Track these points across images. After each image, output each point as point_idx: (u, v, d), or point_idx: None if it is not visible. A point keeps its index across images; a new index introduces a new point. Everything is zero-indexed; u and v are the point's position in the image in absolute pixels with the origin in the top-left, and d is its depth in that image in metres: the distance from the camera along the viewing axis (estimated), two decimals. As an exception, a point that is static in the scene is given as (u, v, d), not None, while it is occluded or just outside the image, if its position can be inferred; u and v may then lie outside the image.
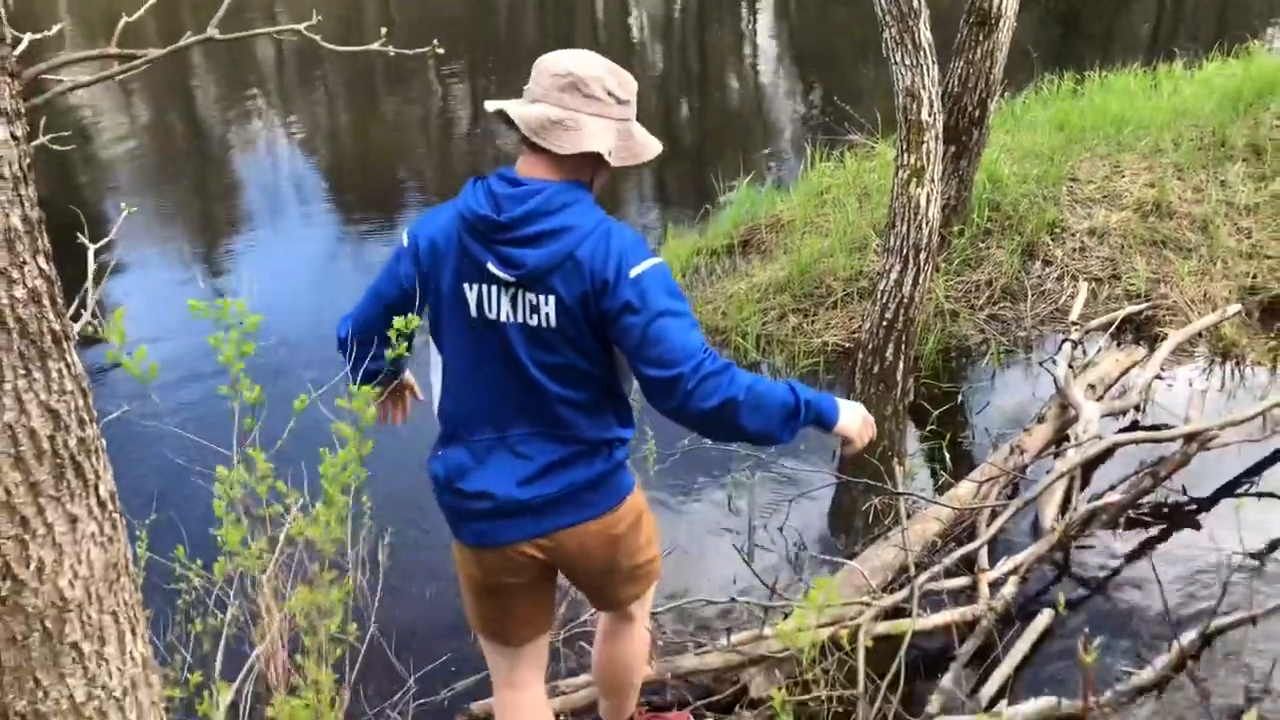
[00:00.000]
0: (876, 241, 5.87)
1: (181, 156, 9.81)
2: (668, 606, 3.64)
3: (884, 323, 4.54)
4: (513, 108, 2.23)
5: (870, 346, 4.65)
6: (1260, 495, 4.35)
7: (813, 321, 5.56)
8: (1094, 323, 5.35)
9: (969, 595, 3.71)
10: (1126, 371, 5.11)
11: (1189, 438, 4.32)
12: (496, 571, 2.42)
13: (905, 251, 4.46)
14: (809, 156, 7.41)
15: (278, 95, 11.86)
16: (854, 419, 2.38)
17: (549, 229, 2.18)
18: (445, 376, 2.39)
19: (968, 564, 3.82)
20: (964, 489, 4.24)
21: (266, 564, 1.92)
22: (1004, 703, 3.19)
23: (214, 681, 2.00)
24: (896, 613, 3.54)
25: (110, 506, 1.34)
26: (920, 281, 4.50)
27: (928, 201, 4.43)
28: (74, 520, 1.29)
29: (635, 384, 2.33)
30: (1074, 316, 5.37)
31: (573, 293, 2.19)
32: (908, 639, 3.34)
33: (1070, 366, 4.94)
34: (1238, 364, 5.25)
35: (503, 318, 2.25)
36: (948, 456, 4.55)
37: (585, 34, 13.81)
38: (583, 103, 2.20)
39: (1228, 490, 4.37)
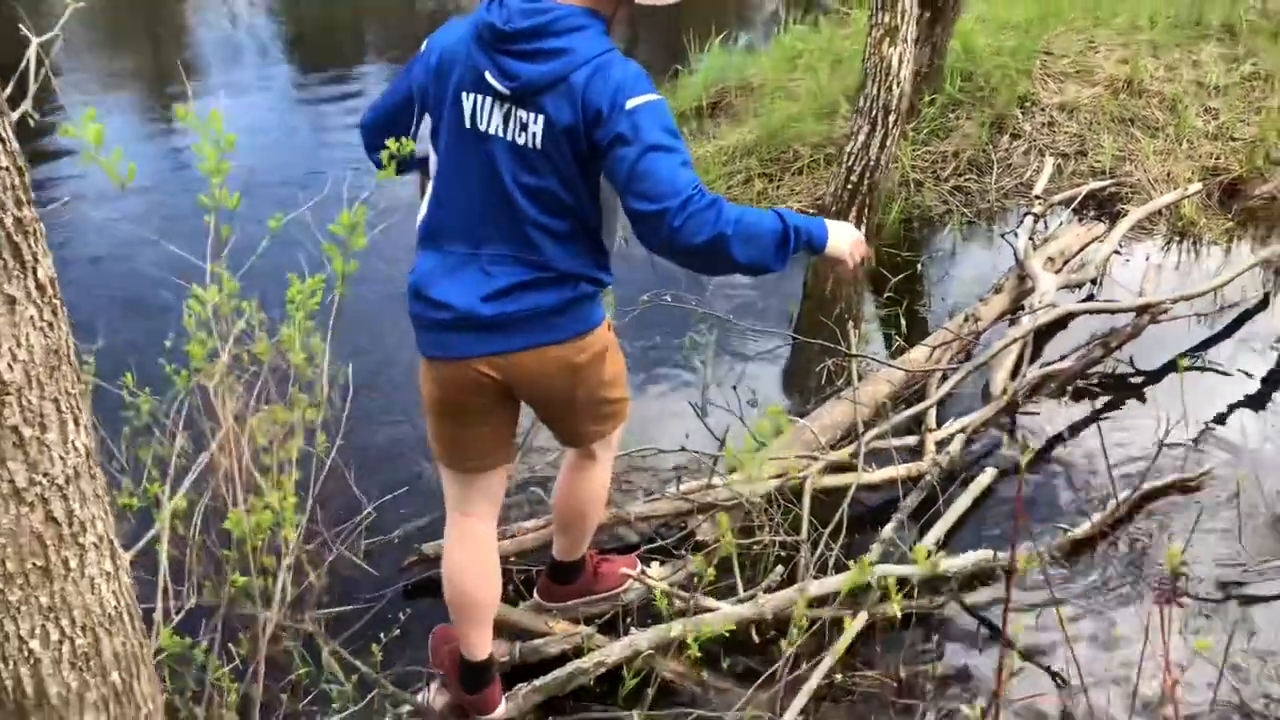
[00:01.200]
0: (846, 108, 5.80)
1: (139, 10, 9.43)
2: (619, 453, 3.69)
3: (848, 185, 4.52)
4: None
5: (834, 209, 4.64)
6: (1204, 369, 4.44)
7: (778, 186, 5.53)
8: (1057, 197, 5.36)
9: (916, 453, 3.79)
10: (1086, 246, 5.15)
11: (1141, 310, 4.39)
12: (452, 388, 2.42)
13: (874, 113, 4.42)
14: (783, 20, 7.25)
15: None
16: (844, 239, 2.37)
17: (550, 48, 2.15)
18: (435, 183, 2.38)
19: (916, 424, 3.90)
20: (917, 353, 4.29)
21: (228, 379, 1.91)
22: (941, 553, 3.30)
23: (165, 494, 2.01)
24: (844, 468, 3.62)
25: (50, 291, 1.32)
26: (887, 145, 4.46)
27: (900, 62, 4.37)
28: (12, 302, 1.27)
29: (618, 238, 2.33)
30: (1037, 190, 5.37)
31: (562, 118, 2.17)
32: (852, 490, 3.43)
33: (1031, 239, 4.97)
34: (1195, 243, 5.30)
35: (493, 130, 2.24)
36: (904, 323, 4.60)
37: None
38: None
39: (1174, 364, 4.45)
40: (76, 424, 1.40)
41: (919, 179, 5.57)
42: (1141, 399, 4.26)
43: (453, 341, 2.35)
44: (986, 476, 3.65)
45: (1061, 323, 4.55)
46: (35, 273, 1.30)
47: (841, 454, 3.64)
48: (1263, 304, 4.83)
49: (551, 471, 3.75)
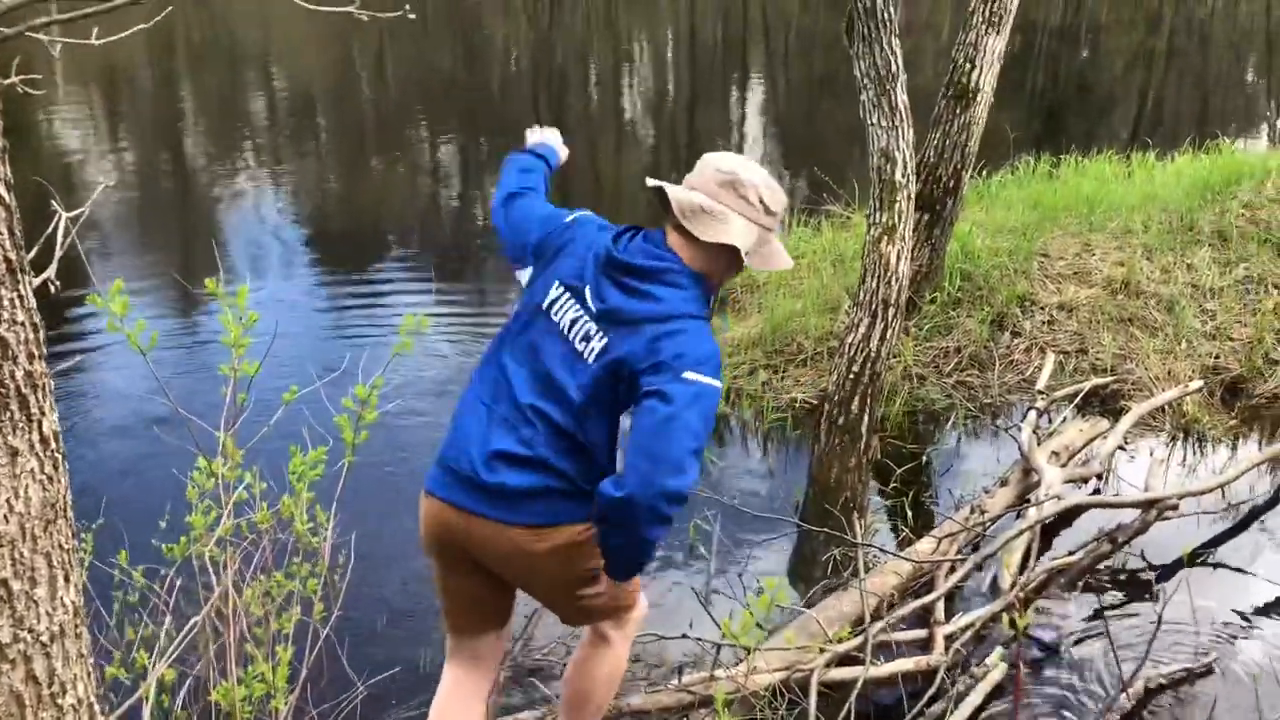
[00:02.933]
0: (848, 303, 5.94)
1: (166, 201, 9.85)
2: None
3: (850, 375, 4.59)
4: (671, 189, 2.42)
5: (836, 399, 4.69)
6: (1215, 565, 4.38)
7: (782, 377, 5.61)
8: (1060, 393, 5.41)
9: (924, 647, 3.70)
10: (1090, 442, 5.17)
11: (1147, 505, 4.36)
12: (431, 523, 2.44)
13: (874, 306, 4.52)
14: (787, 224, 7.51)
15: (269, 149, 11.96)
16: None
17: (647, 291, 2.33)
18: (503, 332, 2.53)
19: (924, 618, 3.82)
20: (924, 545, 4.25)
21: (227, 549, 1.91)
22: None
23: (157, 664, 1.97)
24: (851, 660, 3.53)
25: (53, 445, 1.34)
26: (888, 337, 4.55)
27: (898, 259, 4.51)
28: (14, 454, 1.29)
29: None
30: (1040, 385, 5.43)
31: (623, 349, 2.31)
32: (859, 685, 3.34)
33: (1035, 433, 4.99)
34: (1199, 440, 5.31)
35: (562, 326, 2.41)
36: (909, 514, 4.56)
37: (577, 113, 14.03)
38: (735, 201, 2.38)
39: (1184, 560, 4.39)
40: (67, 580, 1.39)
41: (922, 373, 5.65)
42: (1151, 596, 4.18)
43: (440, 478, 2.41)
44: (997, 671, 3.55)
45: (1068, 517, 4.52)
46: (40, 426, 1.32)
47: (848, 646, 3.55)
48: (1272, 502, 4.80)
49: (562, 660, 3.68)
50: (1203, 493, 4.47)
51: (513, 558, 2.45)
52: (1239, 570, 4.33)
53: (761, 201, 2.41)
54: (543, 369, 2.40)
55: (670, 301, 2.32)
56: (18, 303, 1.27)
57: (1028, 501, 4.56)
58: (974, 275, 6.22)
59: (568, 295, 2.43)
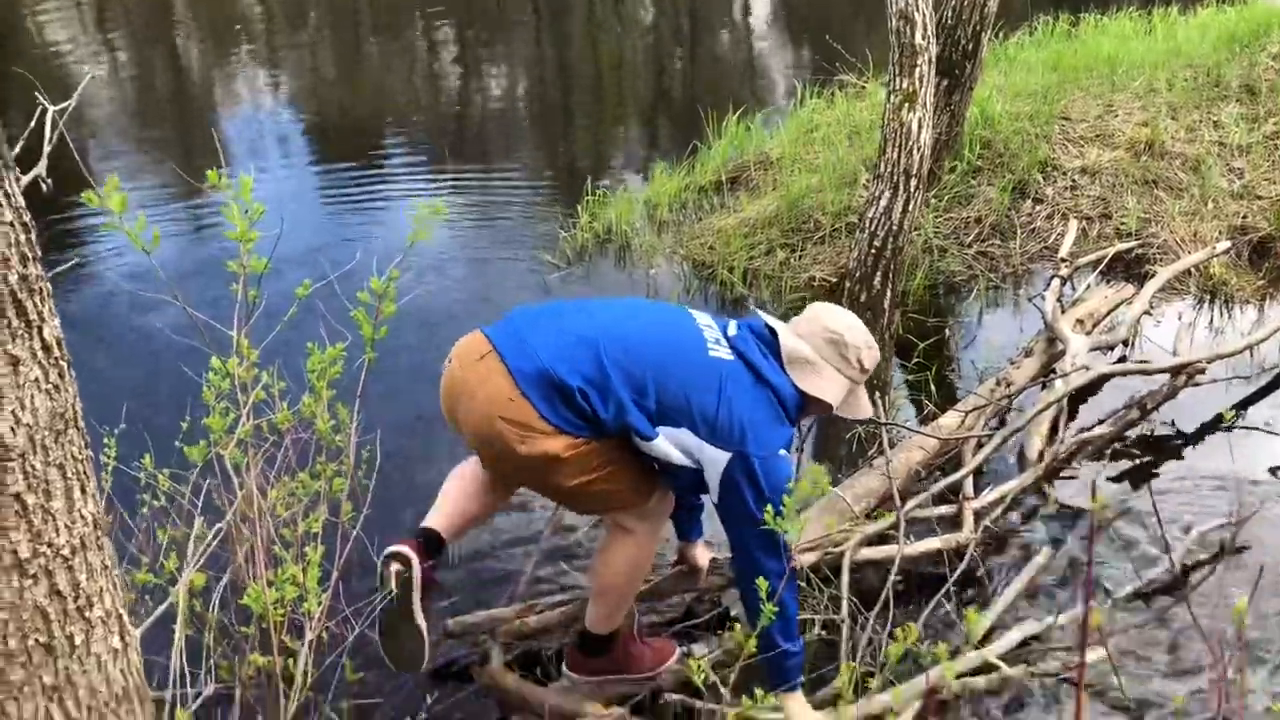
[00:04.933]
0: (866, 177, 5.77)
1: (161, 94, 9.61)
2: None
3: (872, 250, 4.47)
4: (783, 333, 2.69)
5: (858, 275, 4.58)
6: (1246, 428, 4.32)
7: (800, 256, 5.49)
8: (1083, 259, 5.29)
9: (953, 522, 3.67)
10: (1115, 308, 5.06)
11: (1176, 370, 4.28)
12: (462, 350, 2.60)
13: (895, 178, 4.38)
14: (799, 95, 7.29)
15: (264, 37, 11.63)
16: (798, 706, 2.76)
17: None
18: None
19: (952, 493, 3.78)
20: (949, 419, 4.19)
21: (250, 451, 1.85)
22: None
23: (186, 569, 1.94)
24: (881, 539, 3.51)
25: (56, 353, 1.27)
26: (909, 209, 4.42)
27: (919, 127, 4.35)
28: (15, 362, 1.21)
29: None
30: (1063, 253, 5.30)
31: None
32: (895, 565, 3.32)
33: (1058, 302, 4.89)
34: (1226, 302, 5.20)
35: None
36: (933, 389, 4.51)
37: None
38: (835, 358, 2.68)
39: (1213, 424, 4.34)
40: (83, 491, 1.34)
41: (942, 245, 5.52)
42: (1181, 459, 4.14)
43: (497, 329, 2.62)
44: (1042, 556, 3.52)
45: (1095, 386, 4.45)
46: (41, 332, 1.25)
47: (879, 525, 3.52)
48: (1302, 363, 4.72)
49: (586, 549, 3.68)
50: (1232, 355, 4.40)
51: (493, 441, 2.58)
52: (1270, 432, 4.26)
53: (859, 362, 2.70)
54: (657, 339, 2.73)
55: (737, 384, 2.64)
56: (4, 202, 1.18)
57: (1053, 372, 4.49)
58: (994, 142, 6.03)
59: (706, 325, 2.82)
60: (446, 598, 3.32)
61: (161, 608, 1.73)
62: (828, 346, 2.68)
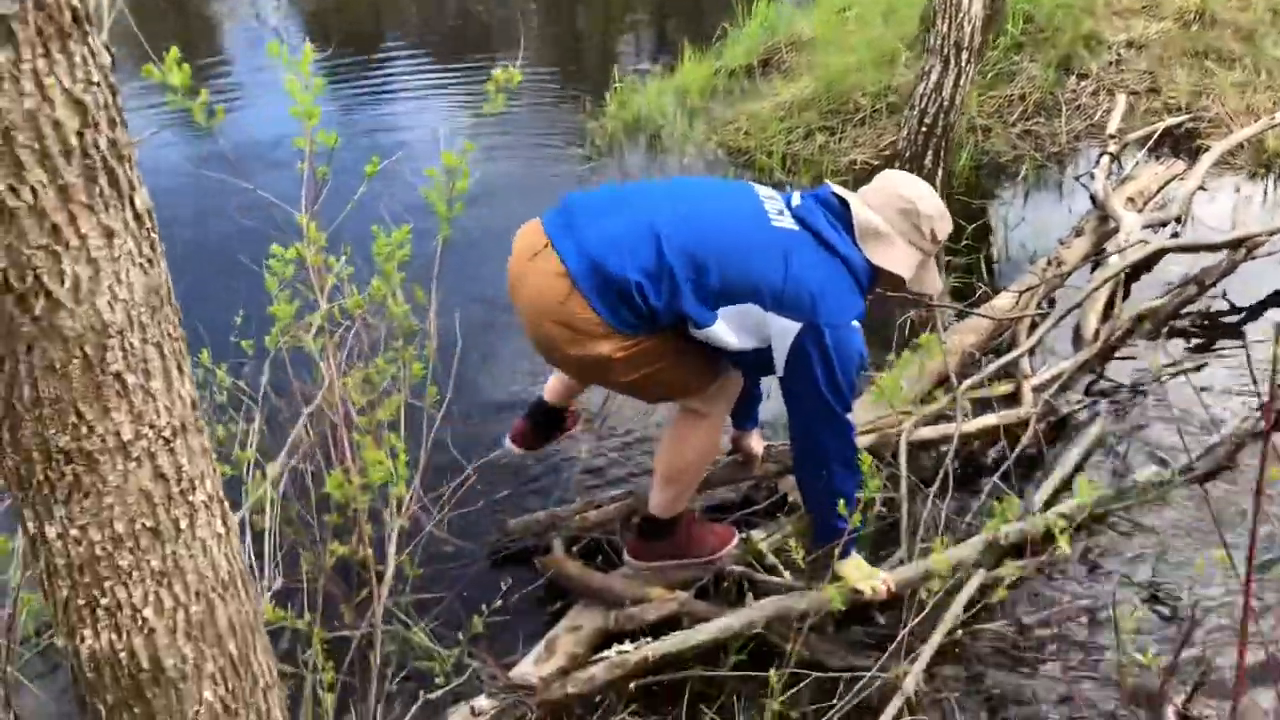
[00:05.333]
0: (906, 55, 5.60)
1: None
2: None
3: (922, 128, 4.34)
4: (854, 204, 2.54)
5: (908, 154, 4.46)
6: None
7: (840, 139, 5.35)
8: (1132, 135, 5.13)
9: (1012, 401, 3.62)
10: (1166, 185, 4.93)
11: (1235, 244, 4.18)
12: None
13: (946, 51, 4.23)
14: (831, -27, 7.03)
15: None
16: (855, 570, 2.73)
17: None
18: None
19: (1009, 374, 3.72)
20: (1002, 300, 4.12)
21: (325, 338, 1.78)
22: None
23: (260, 463, 1.90)
24: (938, 421, 3.46)
25: (148, 223, 1.20)
26: (961, 83, 4.28)
27: (970, -3, 4.17)
28: (109, 234, 1.15)
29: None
30: (1111, 129, 5.15)
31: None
32: (954, 443, 3.27)
33: (1108, 179, 4.76)
34: (1280, 175, 5.06)
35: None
36: (984, 270, 4.41)
37: None
38: (908, 230, 2.55)
39: (1273, 300, 4.25)
40: (181, 371, 1.28)
41: (986, 124, 5.36)
42: (1240, 336, 4.06)
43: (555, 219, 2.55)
44: (1096, 427, 3.48)
45: (1149, 263, 4.34)
46: (133, 202, 1.17)
47: (935, 406, 3.47)
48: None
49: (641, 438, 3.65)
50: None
51: (547, 330, 2.56)
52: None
53: (932, 233, 2.56)
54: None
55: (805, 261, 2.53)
56: (90, 59, 1.10)
57: (1104, 251, 4.39)
58: (1036, 16, 5.82)
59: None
60: (502, 499, 3.29)
61: (258, 492, 1.69)
62: (900, 217, 2.55)
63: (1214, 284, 4.14)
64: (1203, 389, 3.69)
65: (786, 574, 3.03)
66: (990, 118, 5.40)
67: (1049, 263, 4.28)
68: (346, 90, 6.72)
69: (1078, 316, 3.99)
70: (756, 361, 2.57)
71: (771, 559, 3.07)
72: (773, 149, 5.26)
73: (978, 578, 2.93)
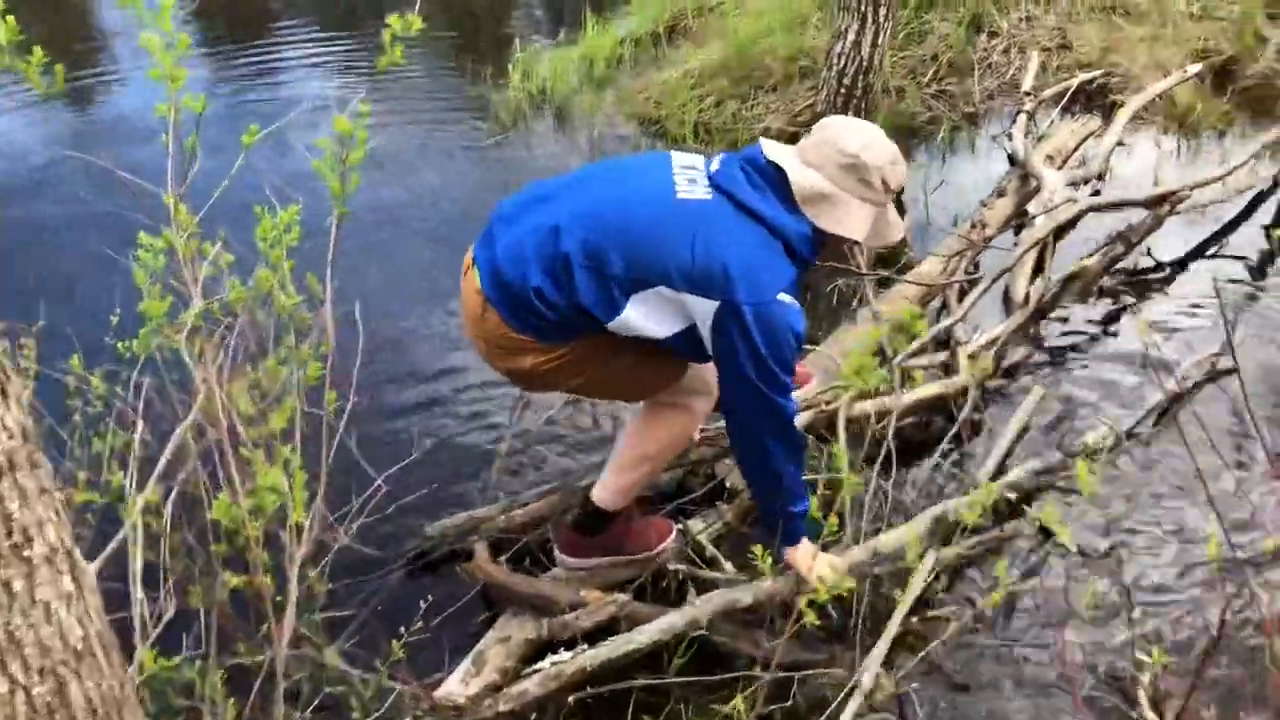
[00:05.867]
0: (817, 17, 5.44)
1: None
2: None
3: (841, 89, 4.18)
4: (789, 165, 2.26)
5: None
6: (1229, 257, 4.18)
7: (752, 106, 5.16)
8: (1047, 92, 5.05)
9: (947, 370, 3.48)
10: (1083, 142, 4.85)
11: (1159, 200, 4.10)
12: None
13: (863, 8, 4.06)
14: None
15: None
16: (809, 560, 2.55)
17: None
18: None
19: (941, 343, 3.59)
20: (929, 266, 3.98)
21: (199, 341, 1.52)
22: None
23: (132, 485, 1.63)
24: (876, 393, 3.30)
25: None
26: (879, 41, 4.12)
27: (885, -49, 4.01)
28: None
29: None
30: (1026, 86, 5.07)
31: None
32: (894, 417, 3.12)
33: (1027, 138, 4.67)
34: (1193, 130, 5.02)
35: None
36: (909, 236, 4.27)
37: None
38: (856, 185, 2.25)
39: (1196, 253, 4.20)
40: (5, 396, 1.02)
41: (900, 85, 5.22)
42: (1166, 292, 3.99)
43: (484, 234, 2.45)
44: (1035, 394, 3.36)
45: (1073, 221, 4.24)
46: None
47: (872, 380, 3.32)
48: (1274, 187, 4.56)
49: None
50: (1214, 182, 4.21)
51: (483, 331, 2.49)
52: (1242, 259, 4.13)
53: (884, 183, 2.28)
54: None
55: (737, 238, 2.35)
56: None
57: (1029, 212, 4.29)
58: (945, -27, 5.70)
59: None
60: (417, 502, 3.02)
61: (120, 535, 1.43)
62: (844, 174, 2.26)
63: (1140, 241, 4.07)
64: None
65: (728, 566, 2.86)
66: (903, 78, 5.26)
67: (973, 225, 4.16)
68: (235, 66, 6.30)
69: (1007, 279, 3.87)
70: (692, 347, 2.35)
71: (712, 550, 2.89)
72: (684, 118, 5.05)
73: (930, 559, 2.79)
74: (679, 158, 2.37)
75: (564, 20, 6.82)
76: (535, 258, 2.26)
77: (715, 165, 2.31)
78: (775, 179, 2.28)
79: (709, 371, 2.50)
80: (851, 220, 2.28)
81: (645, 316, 2.27)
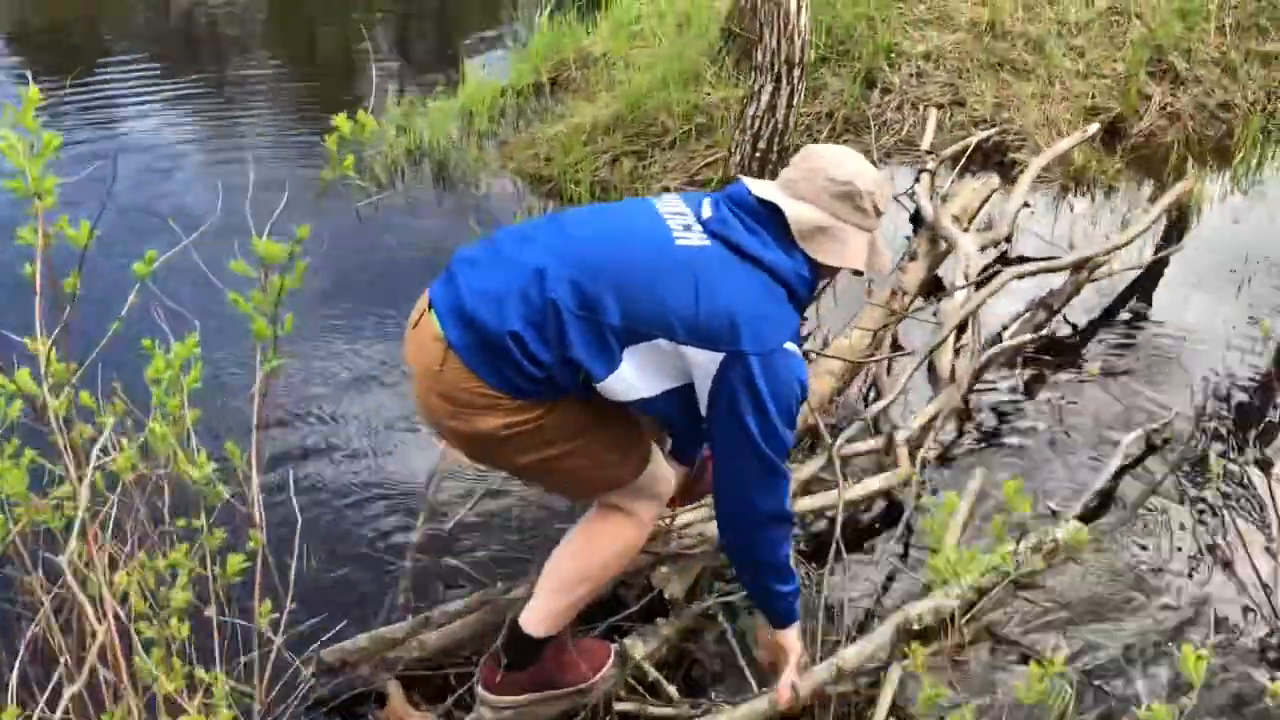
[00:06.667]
0: (711, 70, 5.25)
1: None
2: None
3: (756, 152, 3.98)
4: (782, 200, 2.13)
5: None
6: (1143, 319, 4.13)
7: (649, 164, 4.91)
8: (947, 151, 4.96)
9: (883, 455, 3.28)
10: (986, 200, 4.77)
11: (1078, 266, 4.03)
12: None
13: (777, 68, 3.86)
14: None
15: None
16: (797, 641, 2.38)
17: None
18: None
19: (873, 421, 3.39)
20: (854, 337, 3.79)
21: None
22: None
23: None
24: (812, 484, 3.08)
25: None
26: (794, 102, 3.94)
27: (799, 9, 3.83)
28: None
29: None
30: (926, 145, 4.98)
31: None
32: (840, 514, 2.89)
33: (931, 199, 4.56)
34: (1089, 187, 5.02)
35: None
36: (818, 302, 4.07)
37: None
38: (851, 214, 2.15)
39: (1108, 317, 4.14)
40: None
41: (797, 143, 5.06)
42: (1080, 358, 3.91)
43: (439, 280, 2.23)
44: (976, 481, 3.18)
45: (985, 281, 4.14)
46: None
47: (810, 467, 3.09)
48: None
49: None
50: (1128, 244, 4.18)
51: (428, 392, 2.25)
52: (1158, 323, 4.11)
53: (875, 208, 2.19)
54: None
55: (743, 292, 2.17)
56: None
57: (940, 278, 4.17)
58: (834, 28, 5.60)
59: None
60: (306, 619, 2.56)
61: None
62: (840, 203, 2.14)
63: (1063, 306, 3.98)
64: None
65: (673, 691, 2.56)
66: (803, 136, 5.11)
67: (893, 293, 3.99)
68: (62, 100, 5.69)
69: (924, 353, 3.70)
70: (679, 410, 2.15)
71: (655, 675, 2.58)
72: (579, 176, 4.77)
73: (895, 672, 2.56)
74: (664, 203, 2.21)
75: (421, 66, 6.48)
76: (516, 301, 2.05)
77: (707, 211, 2.16)
78: (768, 218, 2.14)
79: (663, 476, 2.37)
80: (850, 251, 2.16)
81: (637, 372, 2.08)
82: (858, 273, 2.23)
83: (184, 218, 3.78)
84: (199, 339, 1.38)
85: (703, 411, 2.10)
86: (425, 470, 3.26)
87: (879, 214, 2.22)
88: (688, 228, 2.12)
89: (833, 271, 2.25)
